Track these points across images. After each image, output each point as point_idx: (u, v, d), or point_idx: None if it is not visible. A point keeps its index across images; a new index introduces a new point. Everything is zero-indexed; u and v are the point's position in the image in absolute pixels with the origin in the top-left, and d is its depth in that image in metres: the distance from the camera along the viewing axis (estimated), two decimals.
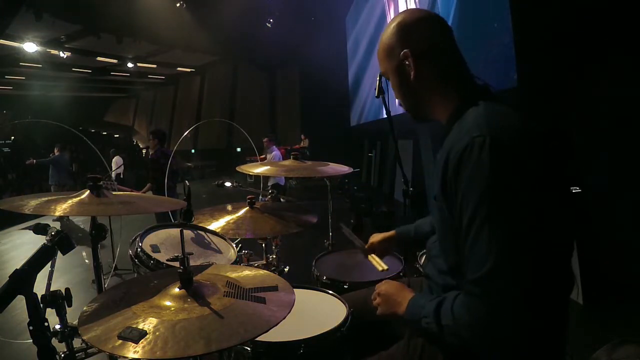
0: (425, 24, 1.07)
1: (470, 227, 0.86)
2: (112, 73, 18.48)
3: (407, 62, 1.06)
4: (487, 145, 0.86)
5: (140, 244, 1.67)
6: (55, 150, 7.96)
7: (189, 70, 20.31)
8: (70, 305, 1.13)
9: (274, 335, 1.11)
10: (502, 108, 0.98)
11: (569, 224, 0.96)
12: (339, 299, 1.50)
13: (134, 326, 0.91)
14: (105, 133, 28.64)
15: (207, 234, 1.93)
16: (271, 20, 12.68)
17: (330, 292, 1.56)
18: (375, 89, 1.74)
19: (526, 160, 0.87)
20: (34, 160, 7.95)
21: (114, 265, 4.25)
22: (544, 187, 0.88)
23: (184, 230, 1.11)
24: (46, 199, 1.42)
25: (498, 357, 0.95)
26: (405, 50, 1.06)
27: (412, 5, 6.40)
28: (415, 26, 1.07)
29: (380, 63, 1.15)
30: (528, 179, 0.86)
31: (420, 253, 1.95)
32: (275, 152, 7.31)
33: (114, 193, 1.55)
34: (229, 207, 1.99)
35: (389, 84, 1.19)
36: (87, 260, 4.81)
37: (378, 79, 1.73)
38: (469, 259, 0.88)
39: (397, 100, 1.22)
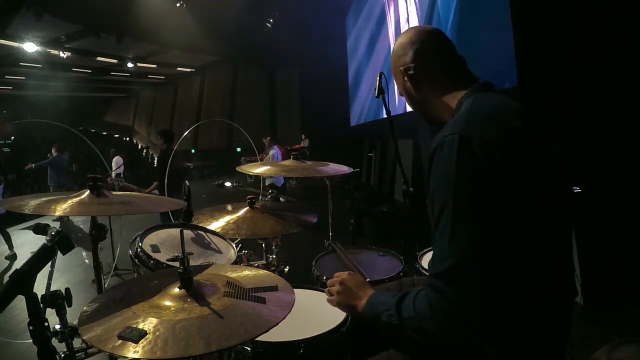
0: (419, 41, 1.12)
1: (437, 223, 0.89)
2: (112, 73, 18.50)
3: (405, 79, 1.13)
4: (456, 144, 0.87)
5: (140, 244, 1.67)
6: (53, 151, 7.94)
7: (189, 70, 20.31)
8: (70, 305, 1.13)
9: (274, 335, 1.11)
10: (493, 104, 0.99)
11: (555, 228, 0.94)
12: None
13: (134, 326, 0.91)
14: (105, 133, 28.66)
15: (207, 234, 1.93)
16: (271, 20, 12.69)
17: None
18: (375, 89, 1.74)
19: (496, 160, 0.86)
20: (33, 165, 7.94)
21: (114, 265, 4.25)
22: (516, 188, 0.86)
23: (184, 230, 1.11)
24: (46, 199, 1.42)
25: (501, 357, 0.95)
26: (401, 68, 1.13)
27: (412, 6, 6.40)
28: (409, 45, 1.12)
29: (396, 84, 1.22)
30: (495, 180, 0.86)
31: (420, 253, 1.95)
32: (274, 152, 7.33)
33: (114, 193, 1.55)
34: (229, 207, 1.99)
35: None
36: (87, 260, 4.81)
37: (378, 79, 1.74)
38: (435, 254, 0.91)
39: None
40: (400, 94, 1.21)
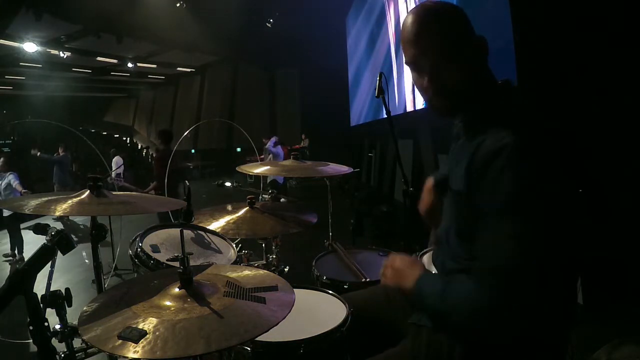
0: (449, 19, 1.04)
1: (496, 220, 0.89)
2: (112, 73, 18.47)
3: (427, 58, 1.03)
4: (516, 151, 0.88)
5: (140, 244, 1.67)
6: (60, 150, 8.02)
7: (189, 70, 20.30)
8: (70, 305, 1.13)
9: (274, 335, 1.11)
10: (527, 109, 1.00)
11: (578, 230, 0.97)
12: (339, 299, 1.50)
13: (134, 326, 0.91)
14: (105, 133, 28.64)
15: (207, 234, 1.93)
16: (271, 20, 12.69)
17: (330, 292, 1.56)
18: (375, 89, 1.74)
19: (554, 164, 0.90)
20: (38, 152, 7.95)
21: (114, 265, 4.25)
22: (566, 192, 0.91)
23: (184, 230, 1.11)
24: (46, 199, 1.42)
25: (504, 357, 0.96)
26: (424, 49, 1.03)
27: (412, 6, 6.40)
28: (436, 23, 1.03)
29: (405, 53, 1.09)
30: (555, 184, 0.89)
31: (420, 253, 1.95)
32: (277, 151, 7.40)
33: (114, 193, 1.55)
34: (229, 207, 1.99)
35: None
36: (87, 260, 4.81)
37: (378, 78, 1.74)
38: (487, 249, 0.90)
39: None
40: (410, 67, 1.10)
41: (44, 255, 1.03)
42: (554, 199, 0.88)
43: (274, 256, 2.02)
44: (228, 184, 2.95)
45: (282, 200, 3.55)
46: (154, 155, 5.59)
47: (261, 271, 1.26)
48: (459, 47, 1.01)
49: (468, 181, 0.95)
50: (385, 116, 1.77)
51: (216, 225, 1.83)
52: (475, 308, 0.90)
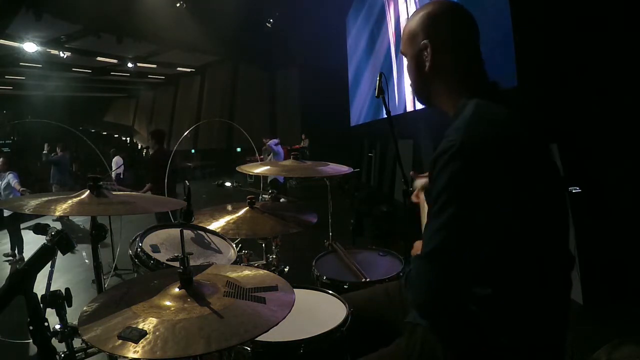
0: (452, 18, 1.09)
1: (435, 215, 0.95)
2: (112, 73, 18.49)
3: (425, 53, 1.09)
4: (457, 153, 0.92)
5: (140, 244, 1.67)
6: (58, 150, 8.01)
7: (189, 70, 20.31)
8: (70, 305, 1.13)
9: (274, 335, 1.11)
10: (492, 110, 1.00)
11: (550, 225, 0.99)
12: (339, 299, 1.50)
13: (134, 326, 0.92)
14: (105, 133, 28.65)
15: (207, 234, 1.93)
16: (271, 20, 12.69)
17: (330, 292, 1.57)
18: (375, 89, 1.74)
19: (493, 169, 0.92)
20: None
21: (114, 265, 4.25)
22: (513, 193, 0.92)
23: (184, 230, 1.11)
24: (46, 199, 1.42)
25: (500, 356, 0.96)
26: (425, 41, 1.08)
27: (412, 6, 6.39)
28: (441, 19, 1.09)
29: (402, 44, 1.18)
30: (490, 186, 0.91)
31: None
32: (279, 150, 7.44)
33: (114, 193, 1.55)
34: (229, 207, 1.99)
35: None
36: (87, 260, 4.81)
37: (378, 78, 1.74)
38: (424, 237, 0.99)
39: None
40: (404, 56, 1.18)
41: (44, 255, 1.03)
42: (484, 200, 0.90)
43: (274, 256, 2.02)
44: (228, 184, 2.94)
45: (282, 200, 3.55)
46: (149, 157, 5.54)
47: (261, 271, 1.26)
48: (434, 61, 1.08)
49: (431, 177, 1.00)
50: (385, 116, 1.77)
51: (216, 225, 1.83)
52: (409, 283, 1.02)
